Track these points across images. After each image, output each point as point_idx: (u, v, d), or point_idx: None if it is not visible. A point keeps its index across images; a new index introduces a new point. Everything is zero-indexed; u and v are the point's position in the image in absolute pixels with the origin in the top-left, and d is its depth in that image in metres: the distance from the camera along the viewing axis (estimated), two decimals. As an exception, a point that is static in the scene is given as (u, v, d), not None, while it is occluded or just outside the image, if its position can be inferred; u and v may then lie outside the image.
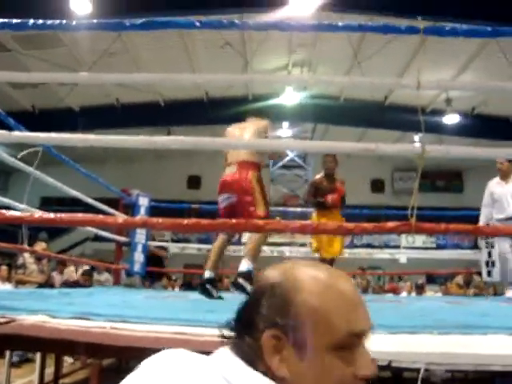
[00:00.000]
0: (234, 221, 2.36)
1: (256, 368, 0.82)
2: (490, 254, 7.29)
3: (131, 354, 2.31)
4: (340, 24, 2.94)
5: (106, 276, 9.42)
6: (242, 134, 4.66)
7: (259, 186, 4.46)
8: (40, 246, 7.26)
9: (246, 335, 0.85)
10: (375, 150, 2.31)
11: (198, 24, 2.86)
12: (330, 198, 6.21)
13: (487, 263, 7.43)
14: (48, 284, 7.49)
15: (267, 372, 0.82)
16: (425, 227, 2.53)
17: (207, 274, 4.53)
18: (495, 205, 5.99)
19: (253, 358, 0.83)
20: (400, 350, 1.88)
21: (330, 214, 6.25)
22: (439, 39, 10.93)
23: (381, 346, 1.91)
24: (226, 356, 0.85)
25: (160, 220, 2.44)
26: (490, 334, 2.17)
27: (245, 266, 4.20)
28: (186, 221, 2.39)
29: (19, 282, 7.19)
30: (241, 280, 4.06)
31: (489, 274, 7.39)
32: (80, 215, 2.68)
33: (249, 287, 3.99)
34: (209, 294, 4.39)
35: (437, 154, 2.63)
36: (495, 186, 6.09)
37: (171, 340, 1.98)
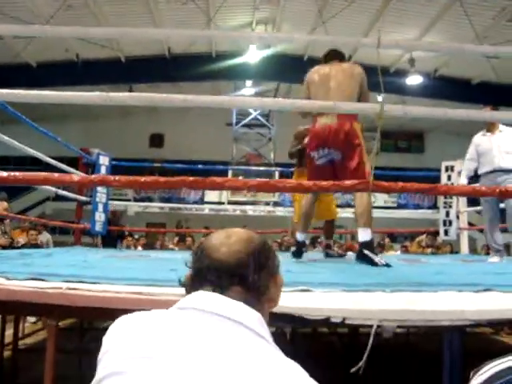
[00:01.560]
0: (191, 179, 2.34)
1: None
2: (447, 214, 7.49)
3: (89, 314, 2.31)
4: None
5: (46, 236, 8.86)
6: (337, 77, 4.16)
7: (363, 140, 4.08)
8: (1, 206, 7.04)
9: (238, 285, 1.09)
10: (334, 107, 2.30)
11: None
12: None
13: (445, 222, 7.63)
14: (12, 246, 7.18)
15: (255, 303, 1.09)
16: (382, 186, 2.56)
17: (299, 237, 4.56)
18: (481, 158, 5.60)
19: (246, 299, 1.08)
20: (354, 307, 1.92)
21: None
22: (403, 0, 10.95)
23: (335, 303, 1.96)
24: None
25: (117, 177, 2.41)
26: (440, 291, 2.23)
27: (364, 235, 3.99)
28: (143, 178, 2.37)
29: None
30: (366, 251, 3.92)
31: (446, 232, 7.61)
32: (35, 174, 2.63)
33: (375, 257, 3.87)
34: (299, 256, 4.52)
35: (395, 113, 2.65)
36: (481, 138, 5.70)
37: (129, 300, 1.98)
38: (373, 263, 3.81)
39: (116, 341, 1.02)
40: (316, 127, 4.17)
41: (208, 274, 1.09)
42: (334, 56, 4.34)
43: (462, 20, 11.23)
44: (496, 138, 5.52)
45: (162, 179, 2.44)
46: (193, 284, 1.12)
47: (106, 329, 1.05)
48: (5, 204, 7.15)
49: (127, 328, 1.03)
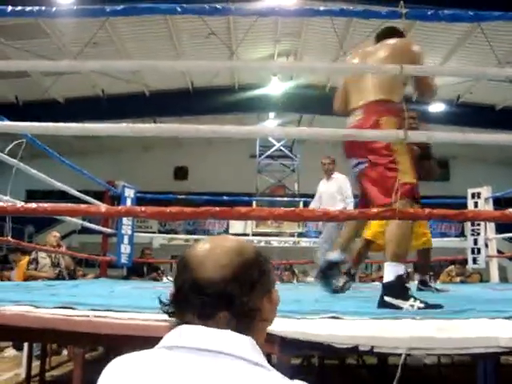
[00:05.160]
0: (217, 209, 2.34)
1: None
2: (475, 242, 7.36)
3: (117, 342, 2.30)
4: (322, 8, 2.93)
5: None
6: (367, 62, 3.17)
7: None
8: (53, 235, 7.05)
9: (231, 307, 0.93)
10: (356, 135, 2.30)
11: (179, 9, 2.84)
12: None
13: (473, 250, 7.49)
14: (60, 278, 7.05)
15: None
16: (408, 213, 2.53)
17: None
18: (319, 199, 6.55)
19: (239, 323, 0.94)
20: (382, 335, 1.88)
21: None
22: (424, 27, 10.97)
23: (364, 331, 1.92)
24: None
25: (143, 208, 2.43)
26: (471, 318, 2.18)
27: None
28: (169, 209, 2.39)
29: (31, 277, 6.73)
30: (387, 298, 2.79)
31: (474, 261, 7.47)
32: (63, 205, 2.67)
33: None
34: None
35: (419, 139, 2.63)
36: (321, 183, 6.69)
37: (156, 327, 1.97)
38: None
39: None
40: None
41: (190, 296, 0.93)
42: (380, 37, 3.31)
43: (484, 46, 11.21)
44: (329, 184, 6.51)
45: (188, 210, 2.45)
46: (175, 307, 0.98)
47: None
48: (55, 233, 7.14)
49: (118, 373, 0.92)
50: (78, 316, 2.03)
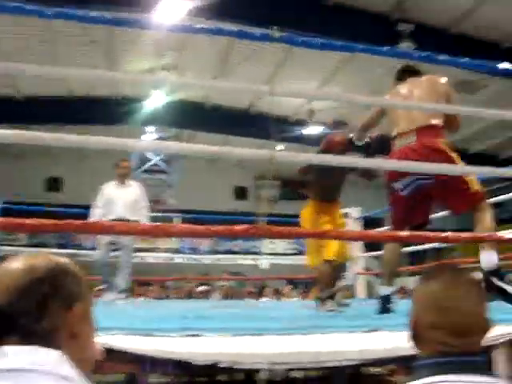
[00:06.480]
0: (78, 222, 2.24)
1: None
2: (343, 260, 7.69)
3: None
4: (198, 26, 2.95)
5: None
6: (418, 94, 3.60)
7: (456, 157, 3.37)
8: None
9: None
10: (226, 152, 2.33)
11: (49, 13, 2.72)
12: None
13: (341, 268, 7.82)
14: None
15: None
16: (273, 231, 2.58)
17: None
18: (106, 206, 6.08)
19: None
20: (243, 351, 1.90)
21: (331, 207, 5.16)
22: (305, 52, 11.41)
23: (224, 348, 1.93)
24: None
25: (-4, 221, 2.28)
26: (329, 333, 2.27)
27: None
28: (27, 221, 2.25)
29: None
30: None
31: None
32: None
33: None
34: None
35: (286, 159, 2.71)
36: (110, 187, 6.25)
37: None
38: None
39: None
40: (394, 151, 3.58)
41: None
42: (410, 72, 3.85)
43: (359, 74, 11.91)
44: (125, 190, 6.15)
45: (49, 222, 2.30)
46: None
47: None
48: None
49: None
50: None
